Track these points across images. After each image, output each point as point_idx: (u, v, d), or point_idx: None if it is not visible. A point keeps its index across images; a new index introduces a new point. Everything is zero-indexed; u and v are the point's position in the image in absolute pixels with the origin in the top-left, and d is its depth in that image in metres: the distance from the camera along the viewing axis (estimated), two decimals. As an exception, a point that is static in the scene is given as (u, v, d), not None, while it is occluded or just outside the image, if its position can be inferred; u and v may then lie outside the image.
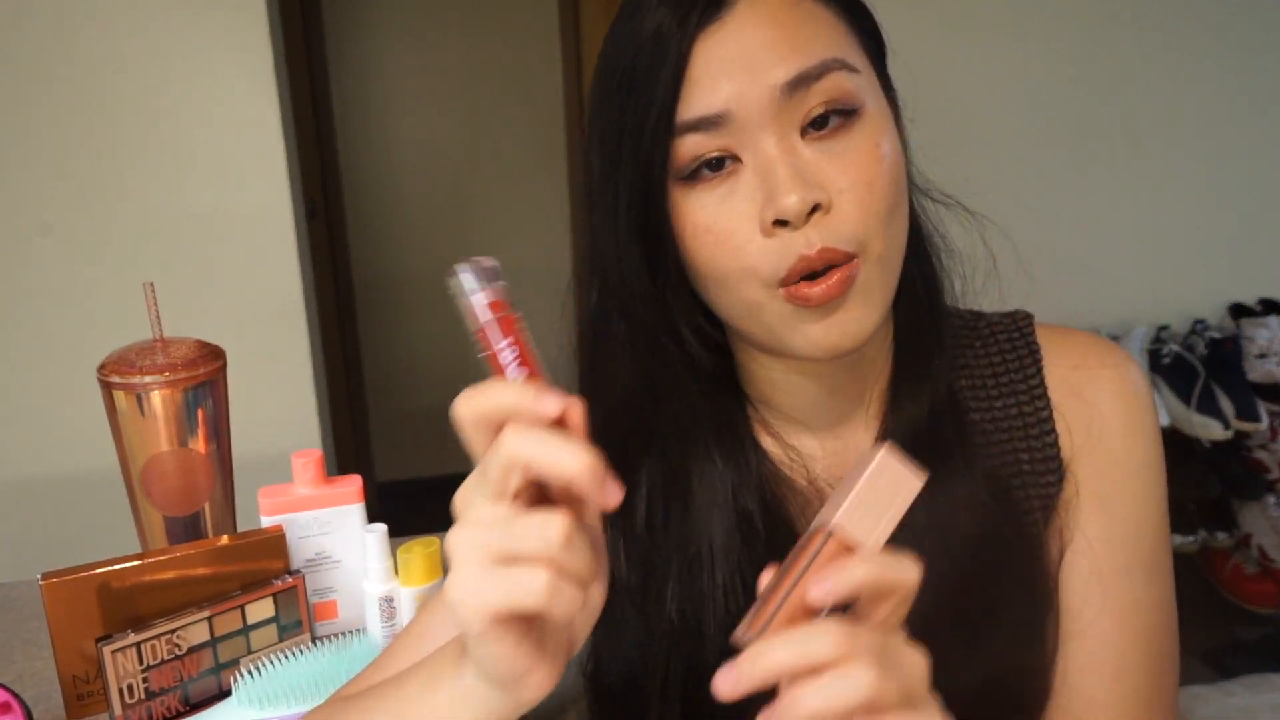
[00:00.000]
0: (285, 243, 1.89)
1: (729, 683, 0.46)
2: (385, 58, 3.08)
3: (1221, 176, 2.36)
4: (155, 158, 1.83)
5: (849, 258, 0.58)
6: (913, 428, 0.67)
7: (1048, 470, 0.69)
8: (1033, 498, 0.69)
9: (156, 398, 0.88)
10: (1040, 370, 0.71)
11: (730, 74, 0.57)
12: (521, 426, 0.45)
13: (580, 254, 0.68)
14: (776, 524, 0.68)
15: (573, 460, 0.44)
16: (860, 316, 0.60)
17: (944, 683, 0.65)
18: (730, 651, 0.68)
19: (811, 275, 0.58)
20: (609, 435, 0.67)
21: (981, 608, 0.66)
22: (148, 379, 0.87)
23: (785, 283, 0.58)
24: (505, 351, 0.48)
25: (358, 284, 3.16)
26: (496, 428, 0.46)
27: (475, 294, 0.49)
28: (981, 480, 0.67)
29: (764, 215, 0.57)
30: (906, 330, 0.68)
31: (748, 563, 0.66)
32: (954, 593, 0.65)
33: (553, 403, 0.45)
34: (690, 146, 0.58)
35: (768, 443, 0.71)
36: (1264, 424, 2.22)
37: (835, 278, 0.58)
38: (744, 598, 0.67)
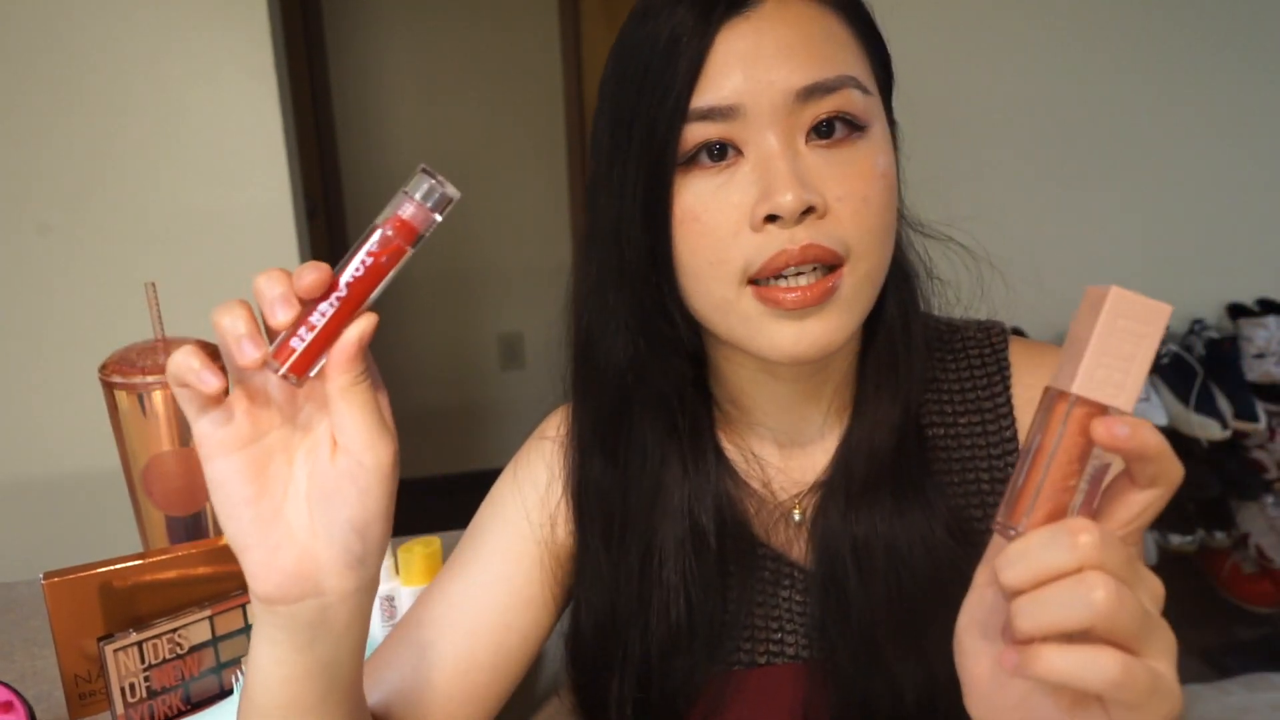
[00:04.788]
0: (286, 242, 1.89)
1: (1010, 576, 0.41)
2: (386, 57, 3.08)
3: (1220, 176, 2.36)
4: (156, 157, 1.83)
5: (836, 260, 0.58)
6: (874, 448, 0.67)
7: None
8: (991, 519, 0.67)
9: (158, 397, 0.88)
10: (1008, 388, 0.70)
11: (746, 69, 0.58)
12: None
13: (584, 231, 0.68)
14: (730, 533, 0.69)
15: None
16: (836, 327, 0.60)
17: (888, 697, 0.66)
18: (671, 650, 0.68)
19: (784, 276, 0.58)
20: (601, 411, 0.69)
21: (930, 632, 0.65)
22: (149, 379, 0.87)
23: (756, 278, 0.59)
24: (357, 261, 0.47)
25: (357, 283, 3.16)
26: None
27: (405, 204, 0.48)
28: (941, 516, 0.66)
29: (757, 210, 0.58)
30: (877, 344, 0.68)
31: (695, 574, 0.68)
32: (902, 613, 0.65)
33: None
34: (696, 133, 0.59)
35: (728, 447, 0.71)
36: (1262, 424, 2.22)
37: (818, 287, 0.58)
38: (685, 606, 0.67)
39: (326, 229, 3.06)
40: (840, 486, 0.68)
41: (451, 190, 0.48)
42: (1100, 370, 0.41)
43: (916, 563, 0.65)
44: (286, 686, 0.53)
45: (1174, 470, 0.43)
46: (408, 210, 0.47)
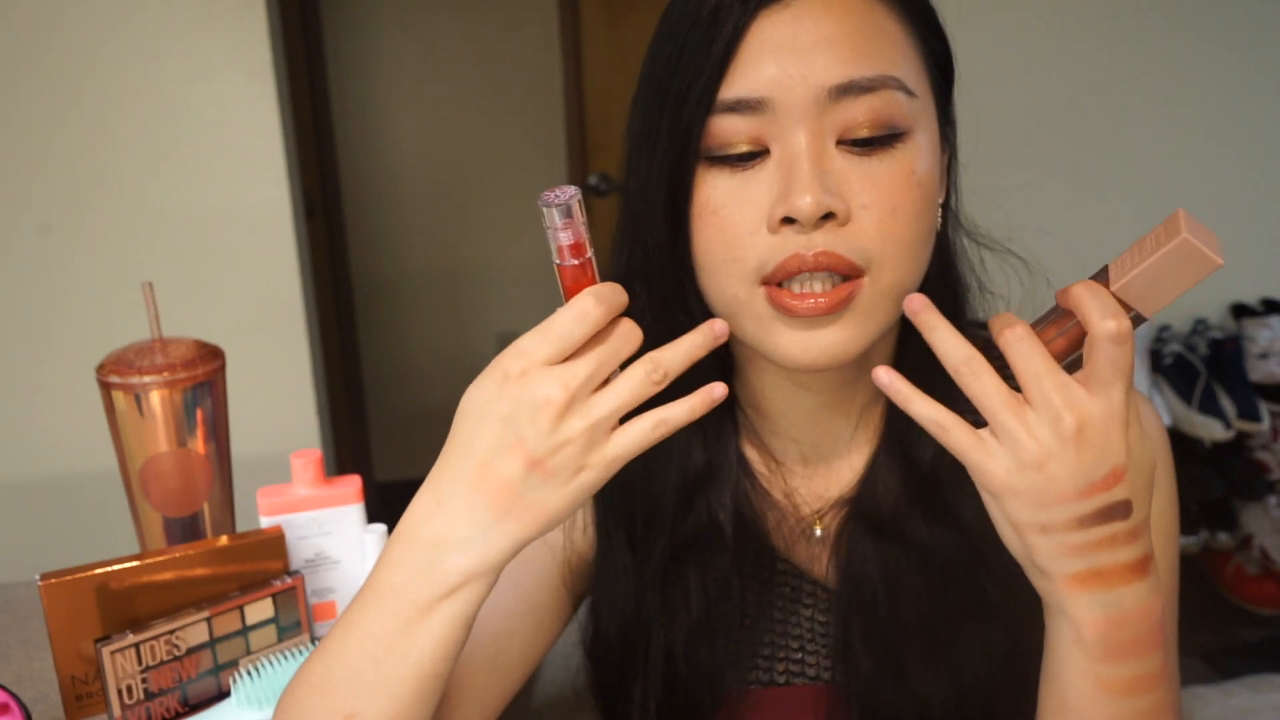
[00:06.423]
0: (284, 242, 1.88)
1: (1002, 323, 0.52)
2: (385, 56, 3.08)
3: (1223, 176, 2.35)
4: (154, 157, 1.83)
5: (853, 270, 0.56)
6: (906, 469, 0.65)
7: None
8: None
9: (155, 398, 0.88)
10: None
11: (781, 59, 0.55)
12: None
13: (618, 220, 0.67)
14: (748, 536, 0.68)
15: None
16: (849, 339, 0.57)
17: (915, 716, 0.65)
18: (697, 648, 0.68)
19: (797, 281, 0.56)
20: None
21: (959, 645, 0.64)
22: (146, 379, 0.87)
23: (768, 281, 0.56)
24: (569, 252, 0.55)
25: (356, 283, 3.15)
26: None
27: (555, 229, 0.56)
28: (975, 539, 0.64)
29: (774, 211, 0.55)
30: (915, 356, 0.65)
31: (712, 572, 0.66)
32: (931, 634, 0.64)
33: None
34: (724, 127, 0.56)
35: (751, 452, 0.70)
36: (1265, 424, 2.21)
37: (832, 297, 0.55)
38: (704, 603, 0.66)
39: (325, 229, 3.06)
40: (868, 506, 0.66)
41: (571, 194, 0.55)
42: (1141, 281, 0.54)
43: (948, 586, 0.64)
44: (450, 661, 0.55)
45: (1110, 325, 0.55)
46: (564, 238, 0.56)
